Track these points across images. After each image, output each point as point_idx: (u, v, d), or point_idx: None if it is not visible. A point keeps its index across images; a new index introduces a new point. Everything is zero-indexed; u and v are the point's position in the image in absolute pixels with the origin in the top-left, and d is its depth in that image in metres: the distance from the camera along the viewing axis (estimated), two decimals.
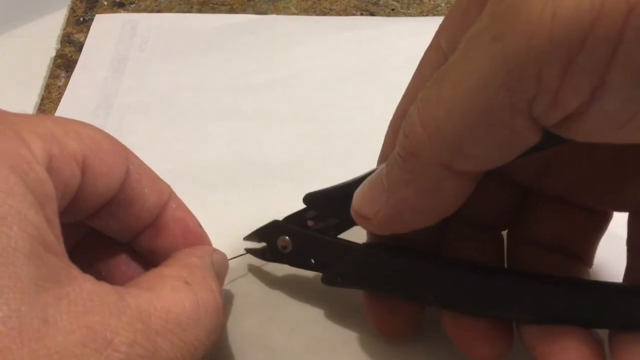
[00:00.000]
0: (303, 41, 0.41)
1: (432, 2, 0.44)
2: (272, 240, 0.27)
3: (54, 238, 0.18)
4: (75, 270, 0.19)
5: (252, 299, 0.29)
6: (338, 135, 0.36)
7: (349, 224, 0.25)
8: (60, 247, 0.19)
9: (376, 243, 0.26)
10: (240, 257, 0.29)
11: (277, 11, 0.44)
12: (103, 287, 0.19)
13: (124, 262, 0.25)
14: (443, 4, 0.44)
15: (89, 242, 0.25)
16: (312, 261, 0.26)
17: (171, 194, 0.25)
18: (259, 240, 0.28)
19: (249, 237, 0.29)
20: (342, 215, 0.25)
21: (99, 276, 0.19)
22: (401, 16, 0.43)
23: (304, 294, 0.29)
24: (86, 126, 0.22)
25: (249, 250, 0.29)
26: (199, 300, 0.21)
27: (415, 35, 0.40)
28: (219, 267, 0.25)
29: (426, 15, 0.43)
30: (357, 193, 0.24)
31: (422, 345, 0.27)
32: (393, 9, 0.43)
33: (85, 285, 0.18)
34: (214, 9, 0.44)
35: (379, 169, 0.23)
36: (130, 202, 0.23)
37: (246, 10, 0.44)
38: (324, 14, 0.43)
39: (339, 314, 0.28)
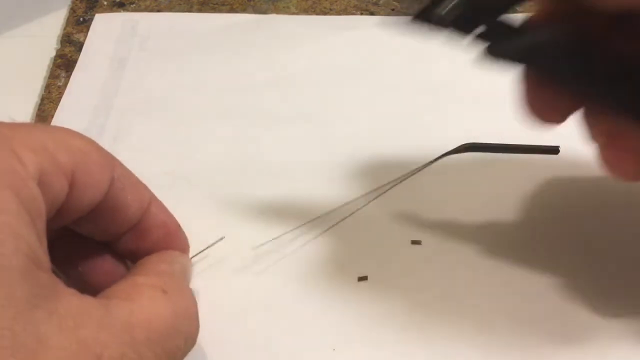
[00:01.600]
0: (303, 41, 0.41)
1: None
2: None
3: (43, 253, 0.19)
4: (60, 285, 0.19)
5: (253, 298, 0.29)
6: (338, 135, 0.36)
7: None
8: (47, 262, 0.19)
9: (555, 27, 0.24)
10: (218, 244, 0.29)
11: (277, 11, 0.44)
12: (88, 301, 0.19)
13: (101, 258, 0.26)
14: None
15: (66, 237, 0.25)
16: (483, 29, 0.23)
17: (152, 198, 0.25)
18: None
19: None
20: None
21: (76, 271, 0.20)
22: (401, 16, 0.43)
23: (304, 293, 0.29)
24: (76, 137, 0.22)
25: (412, 17, 0.24)
26: (176, 309, 0.22)
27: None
28: (187, 271, 0.26)
29: None
30: None
31: (424, 348, 0.27)
32: (393, 9, 0.43)
33: (72, 300, 0.19)
34: (214, 9, 0.44)
35: None
36: (112, 210, 0.24)
37: (246, 10, 0.44)
38: (324, 14, 0.43)
39: (340, 314, 0.28)
